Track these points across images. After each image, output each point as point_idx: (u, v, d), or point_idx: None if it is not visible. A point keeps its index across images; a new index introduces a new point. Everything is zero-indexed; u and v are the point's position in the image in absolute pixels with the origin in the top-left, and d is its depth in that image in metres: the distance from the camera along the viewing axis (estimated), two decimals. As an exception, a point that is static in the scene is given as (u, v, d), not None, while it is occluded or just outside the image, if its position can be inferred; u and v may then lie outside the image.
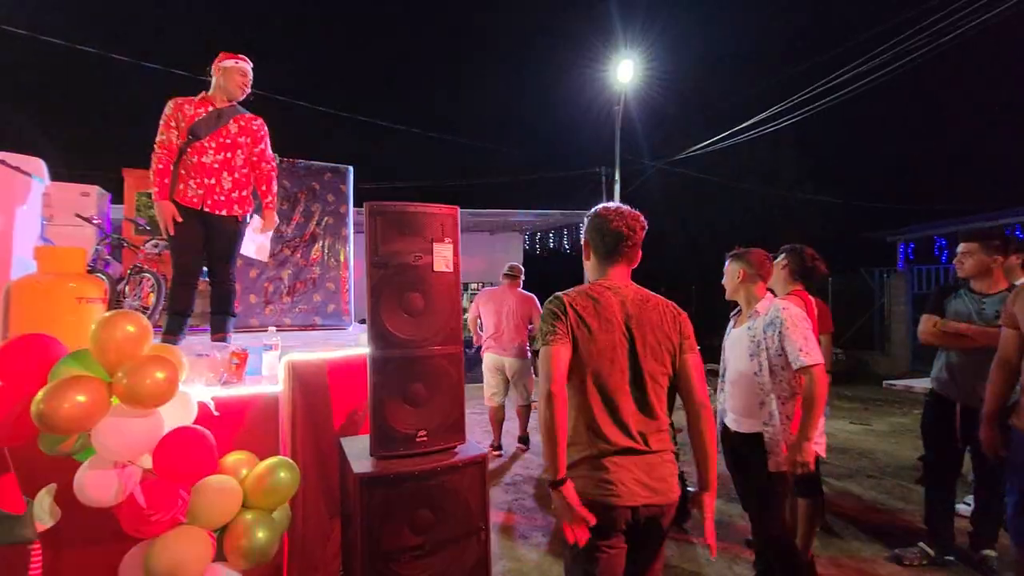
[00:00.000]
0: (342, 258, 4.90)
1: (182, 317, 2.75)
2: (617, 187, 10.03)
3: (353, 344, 2.98)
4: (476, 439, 2.56)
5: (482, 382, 5.12)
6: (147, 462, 1.59)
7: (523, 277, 5.24)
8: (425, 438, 2.11)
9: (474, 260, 11.54)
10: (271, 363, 2.27)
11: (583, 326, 1.60)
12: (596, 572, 1.56)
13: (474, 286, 12.14)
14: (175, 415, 1.63)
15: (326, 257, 4.86)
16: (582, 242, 1.85)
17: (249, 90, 2.88)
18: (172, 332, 2.69)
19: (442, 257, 2.19)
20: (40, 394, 1.38)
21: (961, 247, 2.87)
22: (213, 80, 2.83)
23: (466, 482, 2.12)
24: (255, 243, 3.06)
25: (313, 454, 2.36)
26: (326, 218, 4.88)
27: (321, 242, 4.85)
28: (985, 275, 2.80)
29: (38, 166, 2.65)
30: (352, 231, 4.97)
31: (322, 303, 4.80)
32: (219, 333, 2.86)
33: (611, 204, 1.80)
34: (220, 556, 1.64)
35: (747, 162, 15.99)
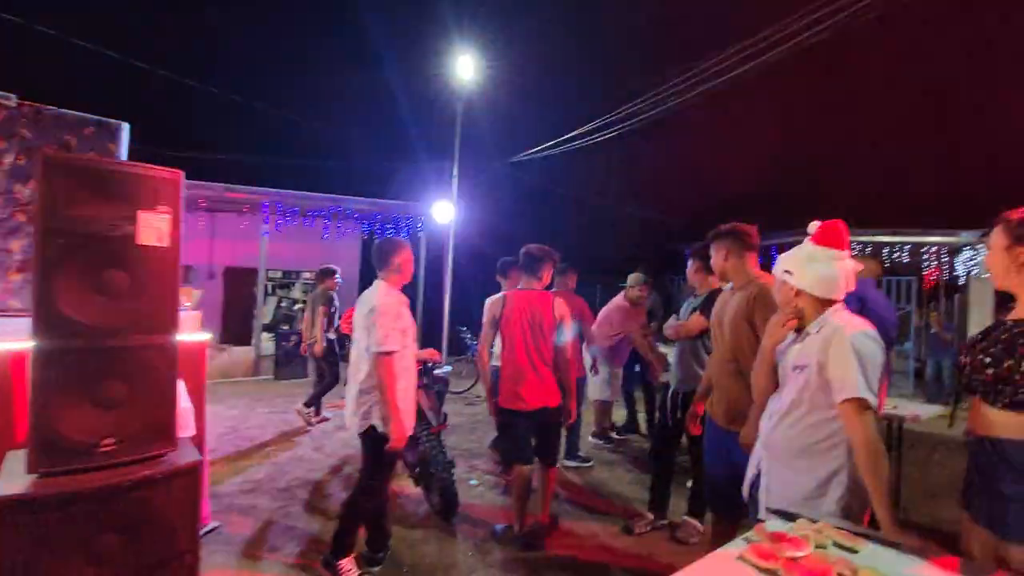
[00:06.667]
0: (102, 231, 4.06)
1: None
2: (455, 182, 9.97)
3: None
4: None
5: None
6: None
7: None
8: (112, 446, 1.73)
9: (311, 248, 10.68)
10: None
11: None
12: None
13: (307, 275, 11.24)
14: None
15: (79, 229, 3.98)
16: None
17: None
18: None
19: (152, 228, 1.82)
20: None
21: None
22: None
23: (172, 497, 1.78)
24: None
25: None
26: (82, 182, 4.00)
27: (72, 210, 3.96)
28: (695, 280, 3.52)
29: None
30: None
31: (68, 284, 3.92)
32: None
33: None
34: None
35: (583, 172, 17.11)
